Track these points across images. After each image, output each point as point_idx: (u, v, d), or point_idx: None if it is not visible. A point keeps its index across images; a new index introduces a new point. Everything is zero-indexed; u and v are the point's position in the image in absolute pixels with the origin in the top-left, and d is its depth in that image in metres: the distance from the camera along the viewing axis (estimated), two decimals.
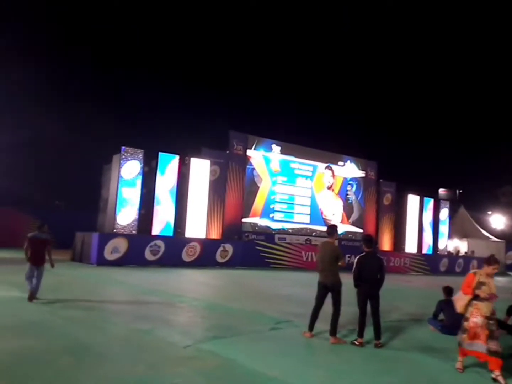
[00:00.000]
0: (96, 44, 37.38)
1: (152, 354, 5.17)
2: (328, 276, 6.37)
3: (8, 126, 25.73)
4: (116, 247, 16.14)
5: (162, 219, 18.25)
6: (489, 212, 38.79)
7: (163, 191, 18.37)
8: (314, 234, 23.79)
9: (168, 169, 18.61)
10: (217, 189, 20.44)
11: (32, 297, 7.96)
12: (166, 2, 41.59)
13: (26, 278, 8.05)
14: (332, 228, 6.82)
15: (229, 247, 18.97)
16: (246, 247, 19.78)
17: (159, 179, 18.38)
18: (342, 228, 24.36)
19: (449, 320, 7.44)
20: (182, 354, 5.27)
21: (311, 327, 6.46)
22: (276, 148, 22.99)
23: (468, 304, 5.31)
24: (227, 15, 42.96)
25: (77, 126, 29.96)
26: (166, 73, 40.37)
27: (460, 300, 5.47)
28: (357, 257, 6.44)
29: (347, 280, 6.40)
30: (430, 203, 27.49)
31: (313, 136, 31.98)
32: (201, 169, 19.55)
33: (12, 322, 6.38)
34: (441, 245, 27.67)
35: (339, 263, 6.39)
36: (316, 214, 24.18)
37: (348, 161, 25.85)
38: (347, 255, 17.18)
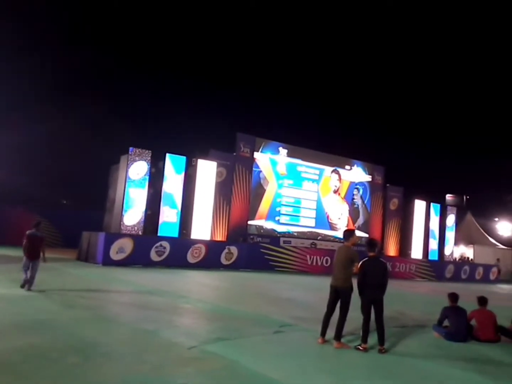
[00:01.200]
0: (106, 46, 37.65)
1: (157, 354, 5.20)
2: (338, 279, 6.35)
3: (17, 125, 25.96)
4: (122, 247, 16.22)
5: (166, 220, 18.29)
6: (496, 219, 38.56)
7: (171, 192, 18.43)
8: (319, 238, 23.76)
9: (178, 170, 18.71)
10: (223, 191, 20.48)
11: (24, 285, 8.85)
12: (177, 3, 41.82)
13: (22, 268, 8.96)
14: (348, 233, 6.80)
15: (234, 249, 18.99)
16: (251, 249, 19.78)
17: (171, 180, 18.40)
18: None
19: (454, 327, 7.43)
20: (186, 355, 5.30)
21: (323, 332, 6.42)
22: (283, 151, 23.02)
23: None
24: (237, 17, 43.11)
25: (86, 126, 30.15)
26: (174, 75, 40.61)
27: None
28: (360, 262, 6.41)
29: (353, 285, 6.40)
30: (437, 209, 27.37)
31: (320, 140, 32.00)
32: (207, 170, 19.57)
33: (18, 319, 6.44)
34: (447, 251, 27.53)
35: (353, 268, 6.29)
36: (321, 218, 24.17)
37: (355, 165, 25.80)
38: None
